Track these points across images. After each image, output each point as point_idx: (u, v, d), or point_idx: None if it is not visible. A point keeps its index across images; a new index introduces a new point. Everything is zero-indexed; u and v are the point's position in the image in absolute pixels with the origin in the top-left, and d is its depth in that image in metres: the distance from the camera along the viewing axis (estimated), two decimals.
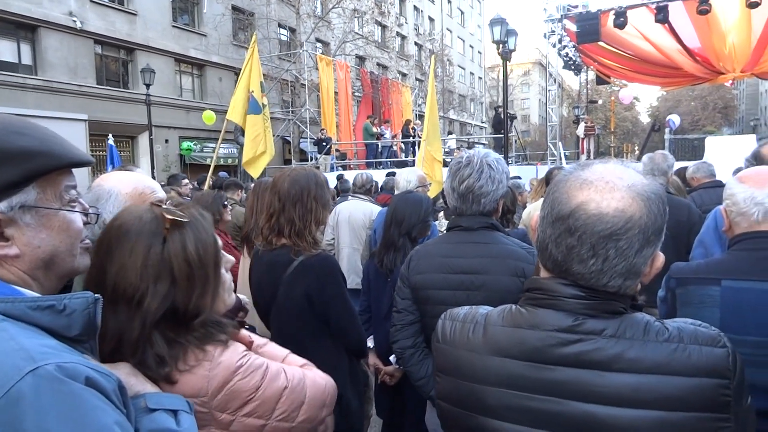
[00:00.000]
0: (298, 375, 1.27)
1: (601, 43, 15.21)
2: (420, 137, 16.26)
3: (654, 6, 13.33)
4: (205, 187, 6.61)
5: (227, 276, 1.27)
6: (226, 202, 3.72)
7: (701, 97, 48.32)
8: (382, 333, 2.59)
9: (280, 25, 23.57)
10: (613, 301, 0.96)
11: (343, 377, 2.05)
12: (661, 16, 13.21)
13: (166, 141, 19.40)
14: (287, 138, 21.14)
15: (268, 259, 2.12)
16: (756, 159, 2.28)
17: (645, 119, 54.81)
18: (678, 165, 4.74)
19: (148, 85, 15.37)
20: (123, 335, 1.05)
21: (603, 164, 0.99)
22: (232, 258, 1.31)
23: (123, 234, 1.08)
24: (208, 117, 16.18)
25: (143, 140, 18.08)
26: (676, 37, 14.28)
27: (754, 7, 12.47)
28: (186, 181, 6.78)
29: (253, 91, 7.23)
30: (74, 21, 16.31)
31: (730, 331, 0.96)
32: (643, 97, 57.08)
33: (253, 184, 3.90)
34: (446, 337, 1.11)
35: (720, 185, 4.34)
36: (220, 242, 1.20)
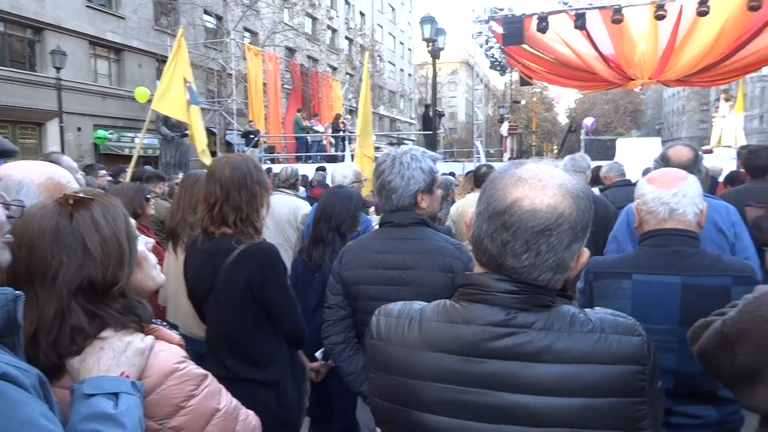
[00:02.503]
0: (234, 404, 1.24)
1: (524, 46, 15.83)
2: (350, 132, 16.28)
3: (573, 13, 14.05)
4: (127, 178, 6.24)
5: (151, 255, 1.26)
6: (148, 196, 3.53)
7: (613, 101, 51.73)
8: (308, 329, 2.57)
9: (206, 12, 22.64)
10: (542, 295, 0.99)
11: (283, 367, 2.06)
12: (580, 23, 13.96)
13: (79, 129, 18.10)
14: (213, 129, 20.37)
15: (207, 248, 2.07)
16: (663, 160, 2.46)
17: (563, 120, 57.73)
18: (592, 164, 5.04)
19: (58, 68, 14.29)
20: (41, 314, 1.02)
21: (536, 163, 1.03)
22: (150, 239, 1.30)
23: (29, 220, 1.05)
24: (141, 94, 15.07)
25: (52, 127, 16.78)
26: (593, 44, 15.14)
27: (661, 19, 13.48)
28: (103, 171, 6.39)
29: (190, 82, 7.01)
30: None
31: (639, 321, 1.03)
32: (562, 99, 60.07)
33: (180, 177, 3.72)
34: (381, 334, 1.11)
35: (629, 184, 4.66)
36: (132, 221, 1.19)
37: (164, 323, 1.27)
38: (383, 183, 1.93)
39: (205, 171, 2.97)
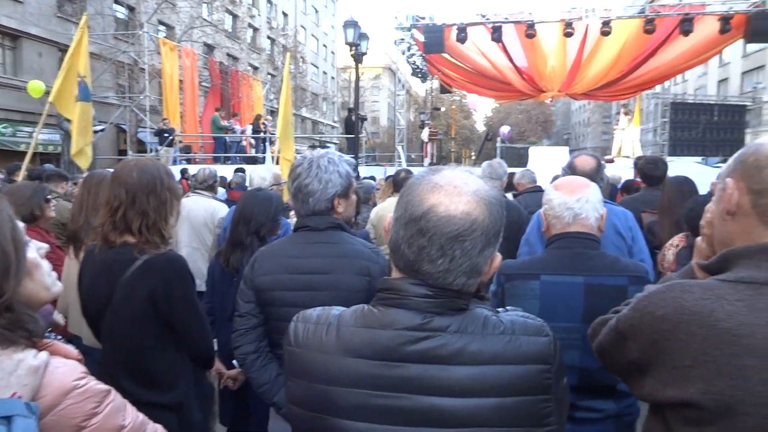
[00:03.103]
0: (141, 419, 1.15)
1: (445, 55, 16.30)
2: (271, 134, 15.96)
3: (490, 26, 14.68)
4: (20, 177, 5.72)
5: (45, 262, 1.14)
6: (49, 196, 3.26)
7: (527, 111, 54.61)
8: (226, 335, 2.48)
9: (117, 2, 21.34)
10: (457, 299, 1.02)
11: (188, 389, 1.92)
12: (496, 35, 14.61)
13: None
14: (123, 126, 19.20)
15: (104, 258, 1.90)
16: (570, 169, 2.63)
17: (481, 128, 59.98)
18: (508, 171, 5.27)
19: None
20: None
21: (451, 170, 1.06)
22: (45, 244, 1.18)
23: None
24: (35, 88, 13.74)
25: None
26: (508, 56, 15.88)
27: (569, 36, 14.41)
28: None
29: (84, 77, 6.50)
30: None
31: (546, 320, 1.08)
32: (479, 108, 62.37)
33: (83, 176, 3.46)
34: (299, 340, 1.09)
35: (540, 190, 4.91)
36: (21, 224, 1.07)
37: (59, 337, 1.17)
38: (299, 186, 1.89)
39: (111, 171, 2.78)
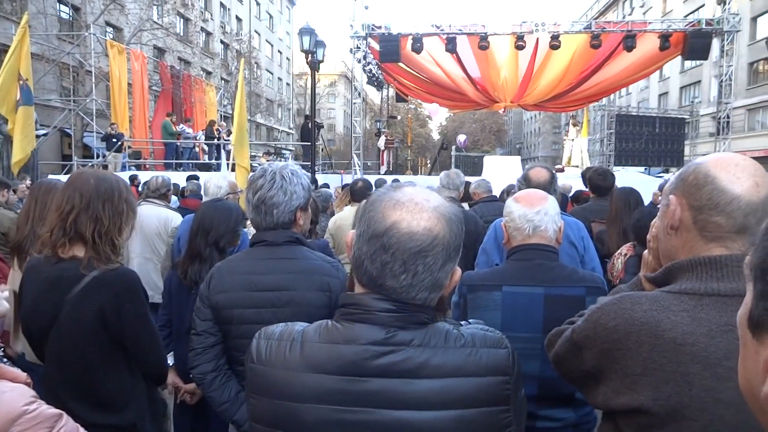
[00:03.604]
0: None
1: (401, 64, 16.51)
2: (225, 140, 15.66)
3: (445, 36, 14.97)
4: None
5: None
6: None
7: (480, 121, 55.83)
8: (183, 349, 2.41)
9: (60, 1, 20.49)
10: (420, 313, 1.03)
11: (141, 407, 1.85)
12: (450, 46, 14.91)
13: None
14: (67, 130, 18.38)
15: (49, 273, 1.80)
16: (525, 181, 2.71)
17: (436, 136, 60.79)
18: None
19: None
20: None
21: (412, 187, 1.07)
22: None
23: None
24: None
25: None
26: (462, 67, 16.24)
27: (521, 49, 14.87)
28: None
29: (26, 79, 6.19)
30: None
31: (508, 330, 1.11)
32: (436, 116, 63.30)
33: (26, 183, 3.30)
34: (261, 357, 1.08)
35: (495, 199, 5.03)
36: None
37: (4, 359, 1.11)
38: (262, 198, 1.85)
39: (59, 178, 2.67)
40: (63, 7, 20.95)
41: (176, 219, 4.25)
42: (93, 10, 19.15)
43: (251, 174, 1.93)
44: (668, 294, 1.07)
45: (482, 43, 14.75)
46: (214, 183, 3.71)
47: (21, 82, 6.19)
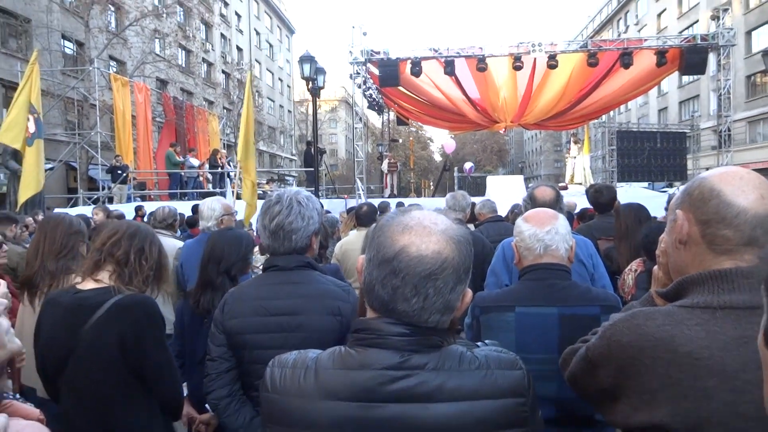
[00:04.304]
0: None
1: (400, 88, 16.69)
2: (229, 169, 15.78)
3: (443, 60, 15.16)
4: None
5: (4, 319, 1.09)
6: (1, 241, 3.11)
7: (481, 141, 56.18)
8: (197, 379, 2.40)
9: (64, 37, 20.90)
10: (433, 336, 1.03)
11: None
12: (449, 69, 15.10)
13: None
14: (73, 164, 18.57)
15: (69, 303, 1.81)
16: (531, 200, 2.71)
17: (438, 158, 61.12)
18: None
19: None
20: None
21: (420, 211, 1.08)
22: (3, 300, 1.14)
23: None
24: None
25: None
26: (461, 89, 16.40)
27: (519, 69, 15.03)
28: None
29: (40, 114, 6.30)
30: None
31: (523, 351, 1.11)
32: (435, 138, 63.73)
33: (38, 218, 3.32)
34: (276, 385, 1.08)
35: (501, 219, 5.03)
36: None
37: (17, 396, 1.10)
38: (281, 224, 1.86)
39: (68, 213, 2.71)
40: (67, 43, 21.36)
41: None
42: (96, 44, 19.51)
43: (266, 200, 1.93)
44: (681, 308, 1.07)
45: (480, 64, 14.93)
46: (207, 206, 3.73)
47: (36, 115, 6.29)
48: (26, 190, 6.35)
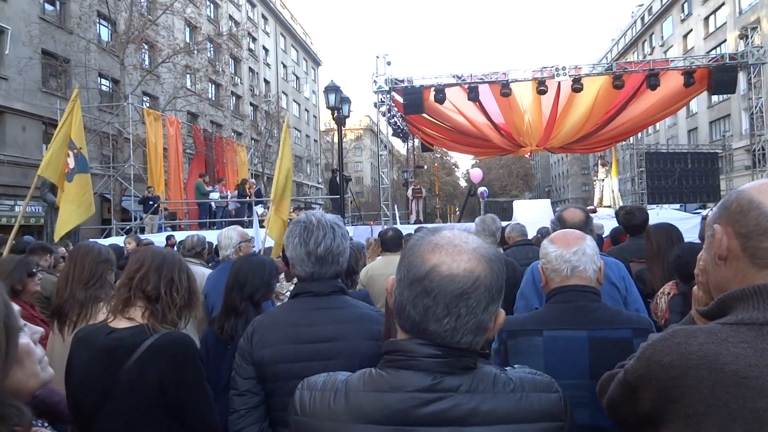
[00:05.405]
0: None
1: (424, 115, 16.81)
2: (257, 200, 16.04)
3: (467, 86, 15.26)
4: (5, 251, 5.61)
5: (38, 348, 1.07)
6: (35, 269, 3.19)
7: (507, 166, 55.98)
8: (221, 406, 2.38)
9: (101, 75, 21.82)
10: (465, 357, 1.01)
11: None
12: (473, 95, 15.17)
13: None
14: (107, 196, 19.18)
15: (103, 344, 1.76)
16: (559, 222, 2.67)
17: (464, 183, 61.03)
18: None
19: None
20: None
21: (450, 230, 1.08)
22: (39, 328, 1.11)
23: None
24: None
25: None
26: (485, 114, 16.43)
27: (543, 94, 15.01)
28: None
29: (81, 149, 6.52)
30: None
31: (552, 376, 1.07)
32: (460, 164, 63.75)
33: (68, 249, 3.41)
34: (305, 409, 1.07)
35: (529, 243, 4.96)
36: (16, 307, 0.99)
37: (45, 424, 1.10)
38: (329, 248, 1.77)
39: (97, 242, 2.77)
40: (103, 81, 22.28)
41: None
42: (131, 81, 20.28)
43: (300, 226, 1.83)
44: (724, 326, 1.02)
45: (504, 90, 14.96)
46: (225, 235, 3.83)
47: (76, 151, 6.49)
48: (64, 225, 6.48)
